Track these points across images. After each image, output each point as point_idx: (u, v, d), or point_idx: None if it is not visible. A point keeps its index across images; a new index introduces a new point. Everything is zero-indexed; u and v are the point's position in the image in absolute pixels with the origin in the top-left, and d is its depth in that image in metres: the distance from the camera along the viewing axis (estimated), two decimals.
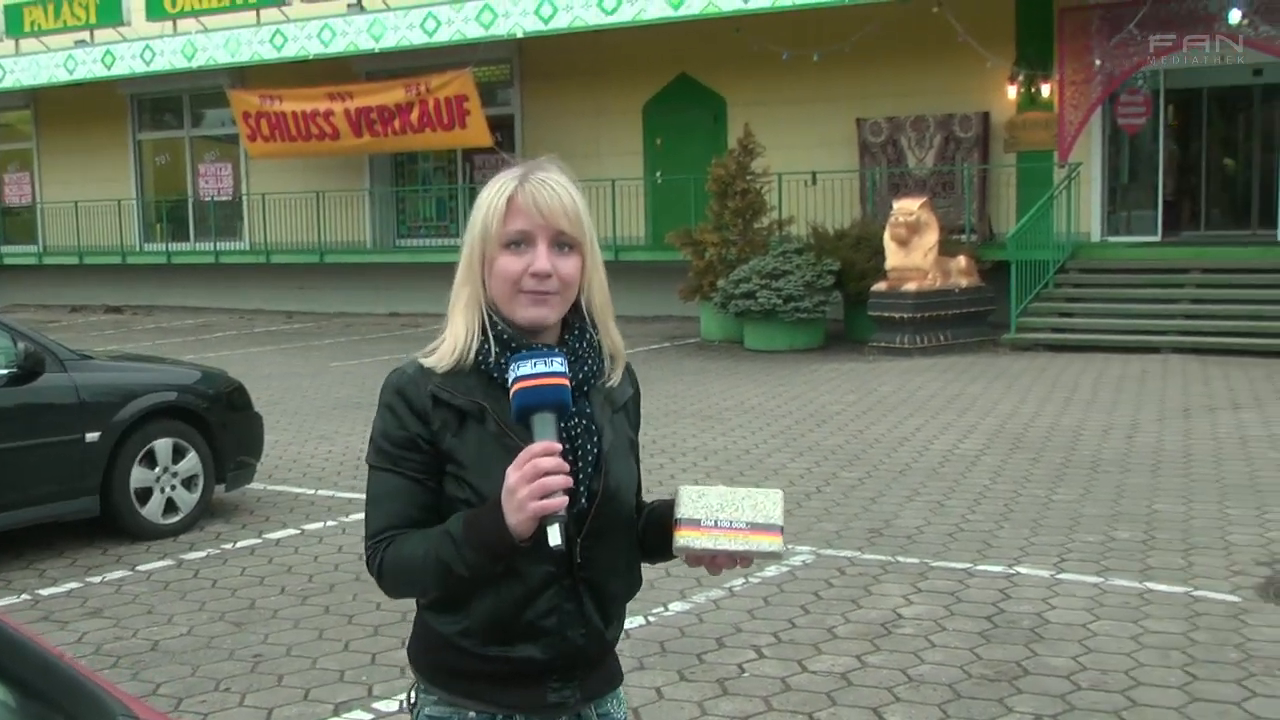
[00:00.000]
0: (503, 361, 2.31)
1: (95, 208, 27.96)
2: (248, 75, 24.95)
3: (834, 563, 7.41)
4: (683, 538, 2.27)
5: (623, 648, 5.82)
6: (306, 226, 25.26)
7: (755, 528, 2.25)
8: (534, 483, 2.13)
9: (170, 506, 8.59)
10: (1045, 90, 19.32)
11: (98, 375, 8.48)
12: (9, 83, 26.45)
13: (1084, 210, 19.35)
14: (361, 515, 7.80)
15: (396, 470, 2.35)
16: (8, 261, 29.85)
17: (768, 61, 19.70)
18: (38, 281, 29.58)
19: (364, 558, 2.41)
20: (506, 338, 2.33)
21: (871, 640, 6.10)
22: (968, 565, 7.30)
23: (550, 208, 2.32)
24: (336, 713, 5.47)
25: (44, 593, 7.34)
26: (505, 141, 23.60)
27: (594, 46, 21.77)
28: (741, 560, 2.30)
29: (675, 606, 6.64)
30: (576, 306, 2.40)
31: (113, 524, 8.40)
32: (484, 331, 2.35)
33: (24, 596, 7.29)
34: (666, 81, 22.05)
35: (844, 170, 20.25)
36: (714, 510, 2.27)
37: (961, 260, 17.36)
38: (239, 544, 8.28)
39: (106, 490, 8.27)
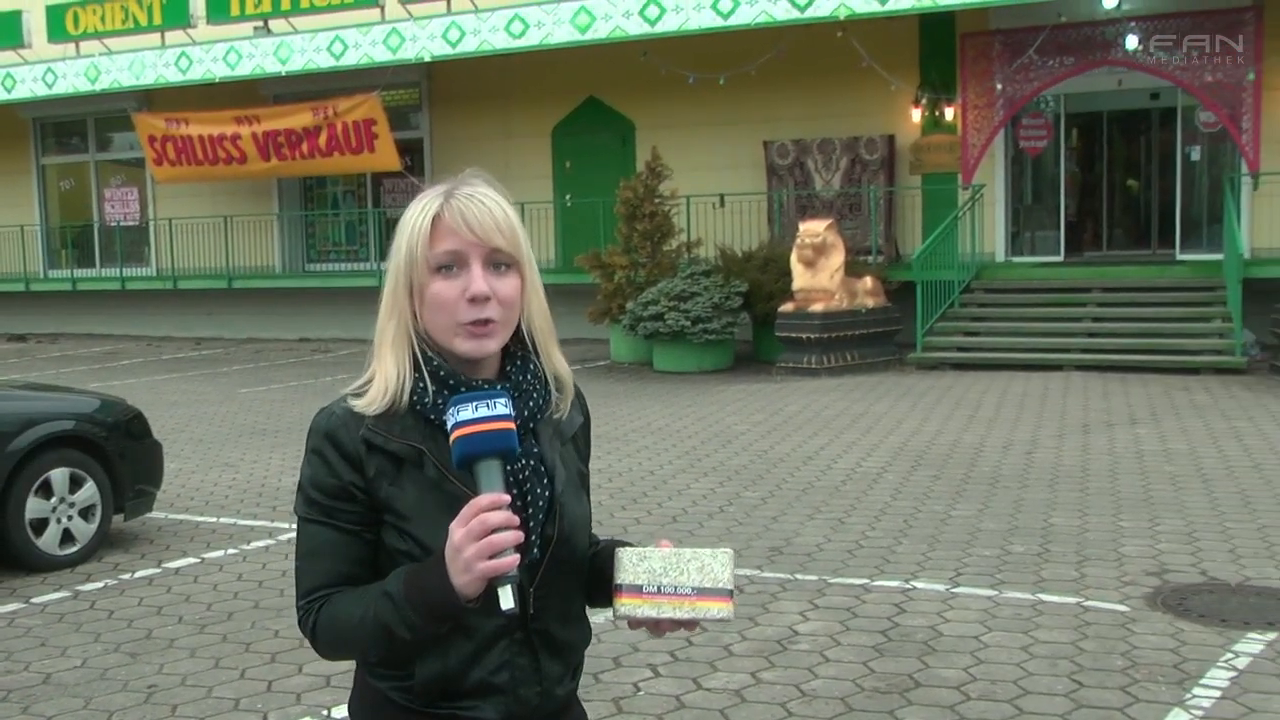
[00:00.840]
0: (439, 402, 2.12)
1: None
2: (153, 98, 24.75)
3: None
4: (624, 605, 2.10)
5: None
6: (214, 252, 25.03)
7: (702, 593, 2.07)
8: (481, 541, 1.94)
9: (67, 537, 8.44)
10: (949, 113, 19.64)
11: None
12: None
13: (988, 231, 19.66)
14: (264, 543, 7.76)
15: (329, 522, 2.16)
16: None
17: (675, 85, 19.85)
18: None
19: (297, 617, 2.22)
20: (444, 374, 2.14)
21: (767, 657, 6.16)
22: (865, 581, 7.39)
23: (482, 224, 2.11)
24: None
25: None
26: (415, 165, 23.59)
27: (503, 70, 21.81)
28: (687, 626, 2.12)
29: None
30: (517, 332, 2.21)
31: (6, 556, 8.23)
32: (416, 368, 2.15)
33: None
34: (575, 105, 22.14)
35: (751, 192, 20.42)
36: (657, 575, 2.09)
37: (868, 281, 17.55)
38: (137, 574, 8.19)
39: (0, 522, 8.14)
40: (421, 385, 2.15)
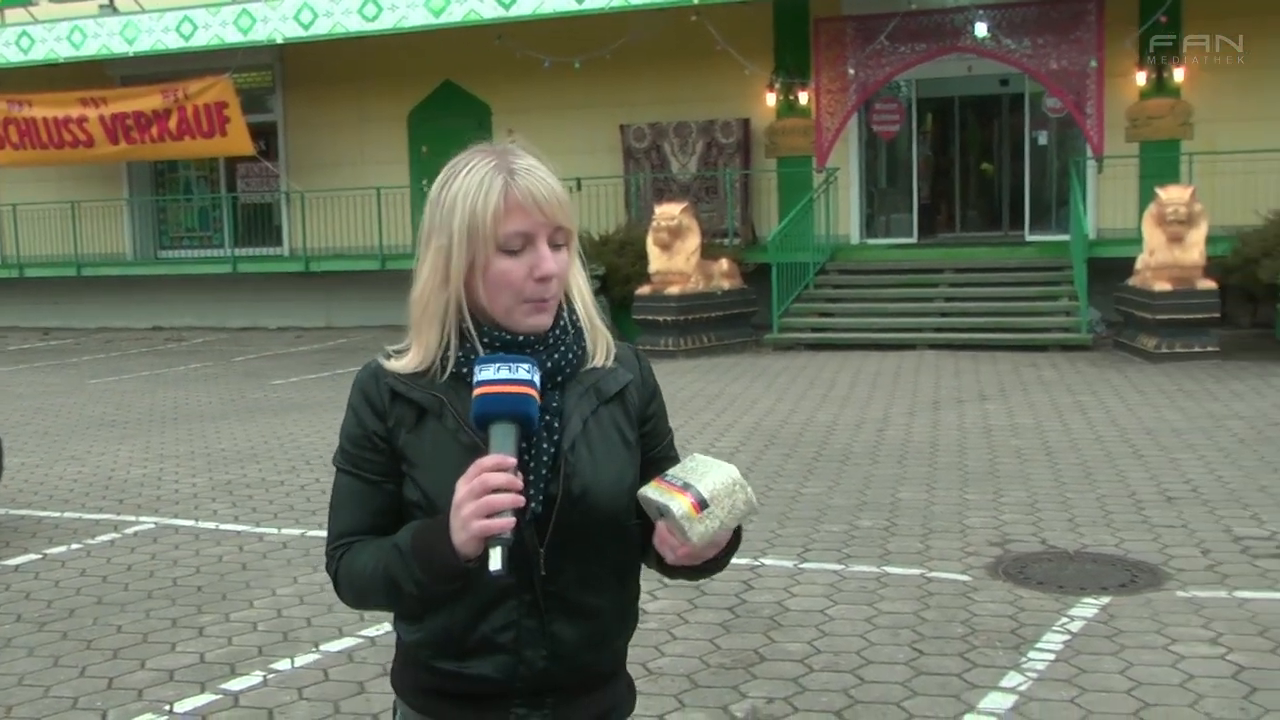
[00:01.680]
0: (469, 357, 2.11)
1: None
2: None
3: None
4: (646, 486, 2.10)
5: (367, 655, 5.83)
6: (62, 239, 24.38)
7: (686, 488, 2.03)
8: (480, 500, 1.93)
9: None
10: (803, 98, 19.84)
11: None
12: None
13: (843, 213, 19.91)
14: (109, 537, 7.60)
15: (354, 472, 2.19)
16: None
17: (531, 69, 19.79)
18: None
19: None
20: (499, 346, 2.11)
21: None
22: None
23: (550, 203, 2.07)
24: None
25: None
26: (269, 149, 23.24)
27: (357, 53, 21.55)
28: (663, 531, 2.06)
29: None
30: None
31: None
32: (463, 341, 2.13)
33: None
34: (431, 89, 21.98)
35: (608, 176, 20.44)
36: (680, 470, 2.08)
37: (724, 263, 17.67)
38: None
39: None
40: (461, 355, 2.13)
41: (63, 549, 8.32)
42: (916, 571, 7.04)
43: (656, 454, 2.31)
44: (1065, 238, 18.65)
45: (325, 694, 5.49)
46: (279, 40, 20.57)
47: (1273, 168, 17.14)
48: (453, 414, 2.12)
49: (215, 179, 24.65)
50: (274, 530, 8.41)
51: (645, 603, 6.63)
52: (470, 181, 2.09)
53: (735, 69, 19.07)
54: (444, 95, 21.91)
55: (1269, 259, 15.15)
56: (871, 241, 20.60)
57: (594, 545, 2.16)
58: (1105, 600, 6.46)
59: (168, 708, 5.43)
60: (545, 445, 2.12)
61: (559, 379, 2.16)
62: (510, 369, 2.02)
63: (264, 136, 23.07)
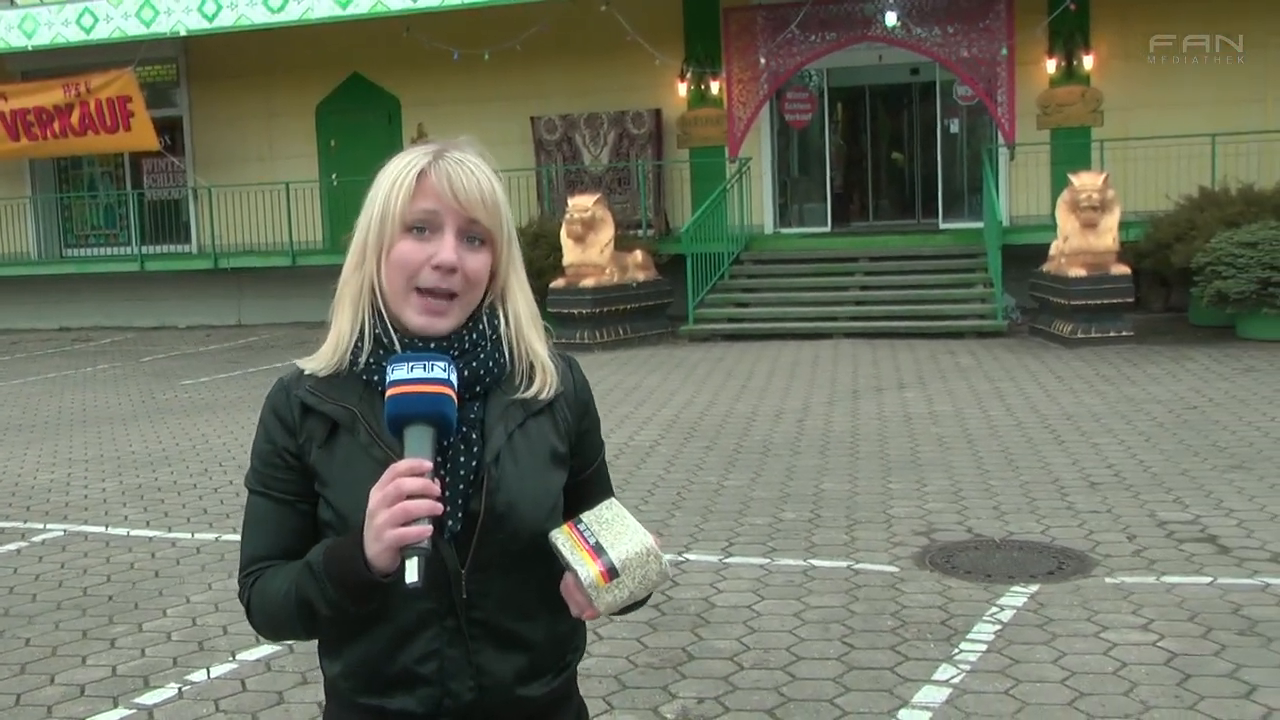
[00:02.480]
0: (374, 362, 2.00)
1: None
2: None
3: None
4: (557, 531, 1.98)
5: (285, 664, 5.65)
6: None
7: (597, 551, 1.91)
8: (394, 507, 1.80)
9: None
10: (715, 87, 19.79)
11: None
12: None
13: (756, 203, 19.89)
14: (14, 546, 7.32)
15: (265, 492, 2.05)
16: None
17: (440, 61, 19.56)
18: None
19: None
20: (387, 342, 2.00)
21: None
22: None
23: (467, 190, 1.98)
24: None
25: None
26: (174, 145, 22.81)
27: (263, 46, 21.20)
28: (571, 583, 1.94)
29: None
30: (478, 306, 2.05)
31: None
32: (378, 345, 2.01)
33: None
34: (338, 82, 21.70)
35: (520, 168, 20.24)
36: (594, 518, 1.97)
37: (638, 255, 17.57)
38: None
39: None
40: (360, 344, 2.02)
41: None
42: (843, 564, 6.97)
43: (586, 475, 2.17)
44: (978, 225, 18.75)
45: (243, 705, 5.31)
46: (182, 32, 20.16)
47: (1183, 153, 17.33)
48: (365, 427, 2.00)
49: (121, 175, 24.16)
50: (187, 535, 8.17)
51: None
52: (396, 165, 2.03)
53: (646, 59, 18.96)
54: (352, 88, 21.62)
55: (1181, 244, 15.29)
56: (785, 231, 20.61)
57: (519, 567, 2.03)
58: (1034, 588, 6.42)
59: None
60: (464, 459, 1.99)
61: (478, 389, 2.03)
62: (425, 367, 1.89)
63: (169, 131, 22.66)
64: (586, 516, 1.99)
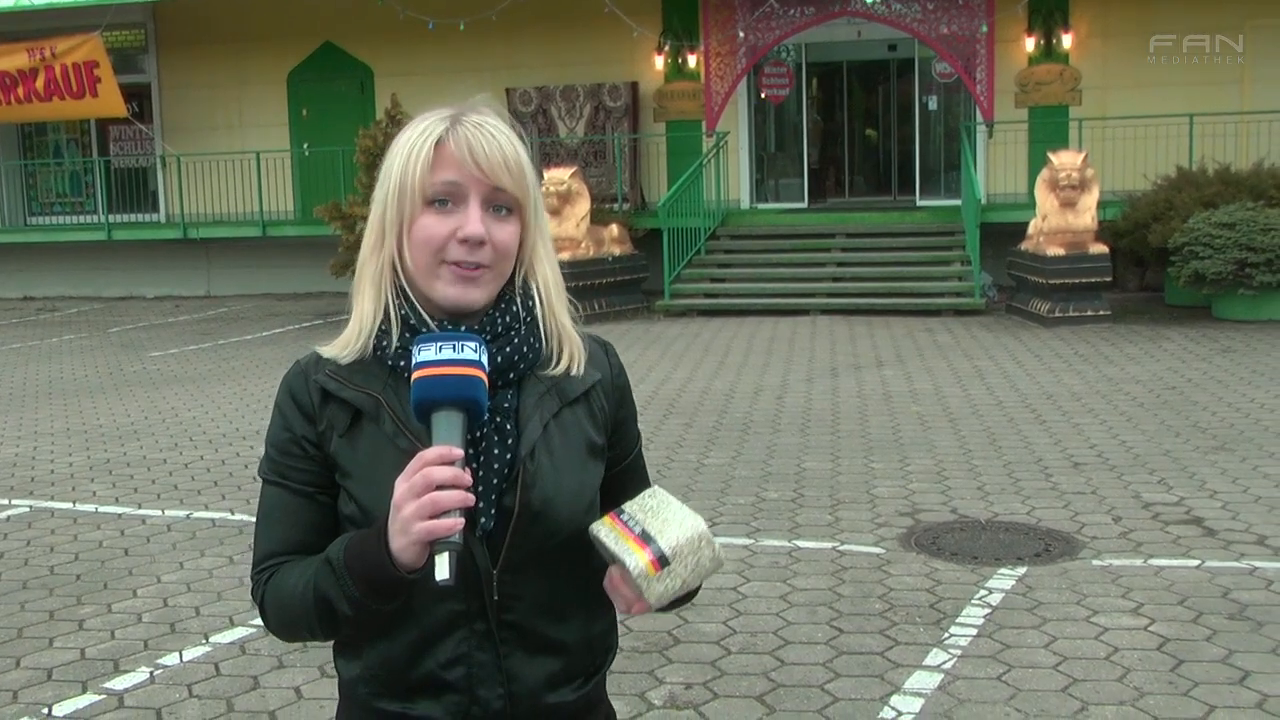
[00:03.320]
0: (402, 346, 1.86)
1: None
2: None
3: None
4: (598, 523, 1.86)
5: (260, 646, 5.51)
6: None
7: (644, 539, 1.80)
8: (422, 498, 1.67)
9: None
10: (692, 61, 19.62)
11: None
12: None
13: (733, 178, 19.74)
14: None
15: (282, 482, 1.92)
16: None
17: (415, 30, 19.31)
18: None
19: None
20: (414, 322, 1.87)
21: None
22: None
23: (489, 158, 1.83)
24: None
25: None
26: (142, 112, 22.49)
27: (234, 13, 20.93)
28: (616, 577, 1.82)
29: None
30: (510, 281, 1.92)
31: None
32: (404, 325, 1.88)
33: None
34: (311, 50, 21.41)
35: None
36: (638, 508, 1.85)
37: (614, 229, 17.41)
38: None
39: None
40: (385, 327, 1.88)
41: None
42: (828, 545, 6.87)
43: (622, 467, 2.05)
44: (956, 203, 18.67)
45: (217, 690, 5.16)
46: None
47: (1160, 133, 17.26)
48: (390, 416, 1.86)
49: (87, 142, 23.80)
50: (157, 512, 7.99)
51: None
52: (411, 132, 1.88)
53: (623, 32, 18.77)
54: (325, 57, 21.35)
55: (1158, 223, 15.23)
56: (762, 206, 20.47)
57: (555, 566, 1.91)
58: (1022, 570, 6.34)
59: (46, 710, 5.06)
60: (498, 451, 1.86)
61: (512, 375, 1.90)
62: (454, 348, 1.75)
63: (137, 98, 22.31)
64: (629, 506, 1.86)
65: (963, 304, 16.15)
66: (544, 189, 16.40)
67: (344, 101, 21.11)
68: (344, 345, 1.92)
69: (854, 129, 23.23)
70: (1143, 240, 15.62)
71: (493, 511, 1.85)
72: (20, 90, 21.46)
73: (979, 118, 18.52)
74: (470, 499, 1.70)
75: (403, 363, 1.85)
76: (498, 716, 1.90)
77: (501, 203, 1.87)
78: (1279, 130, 16.97)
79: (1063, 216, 14.81)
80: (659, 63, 19.83)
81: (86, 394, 12.66)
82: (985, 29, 18.04)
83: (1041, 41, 18.42)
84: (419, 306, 1.88)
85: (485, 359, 1.78)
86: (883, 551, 6.72)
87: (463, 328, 1.86)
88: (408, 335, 1.86)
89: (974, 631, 5.54)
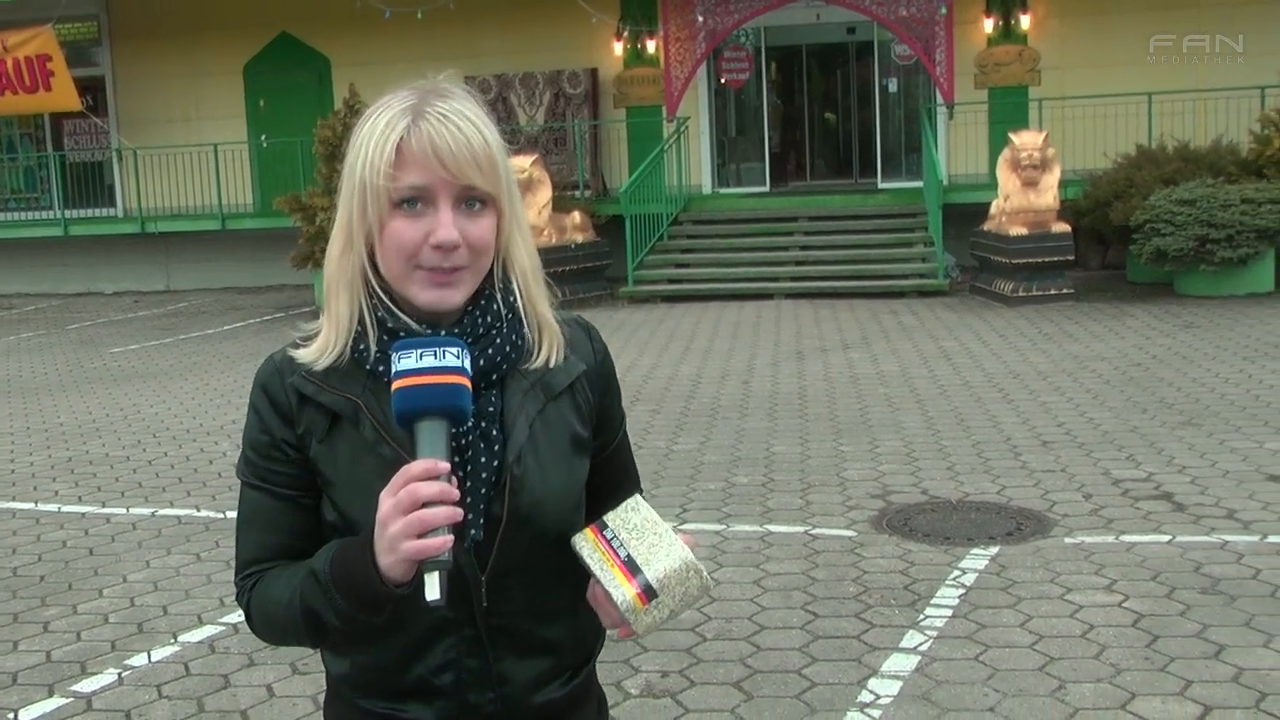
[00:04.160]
0: (379, 351, 1.77)
1: None
2: None
3: None
4: (578, 537, 1.80)
5: (230, 645, 5.43)
6: None
7: (630, 568, 1.74)
8: (409, 516, 1.60)
9: None
10: (651, 46, 19.56)
11: None
12: None
13: (694, 163, 19.71)
14: None
15: (262, 486, 1.84)
16: None
17: (371, 20, 19.21)
18: None
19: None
20: (391, 325, 1.77)
21: None
22: None
23: (456, 156, 1.71)
24: None
25: None
26: (97, 105, 22.26)
27: (189, 3, 20.80)
28: (601, 595, 1.77)
29: None
30: (488, 275, 1.82)
31: None
32: (382, 329, 1.79)
33: None
34: (267, 40, 21.25)
35: None
36: (622, 524, 1.79)
37: (576, 216, 17.34)
38: None
39: None
40: (360, 329, 1.79)
41: None
42: (800, 529, 6.84)
43: (607, 454, 1.99)
44: (917, 184, 18.68)
45: (187, 690, 5.09)
46: None
47: (1119, 112, 17.31)
48: (371, 421, 1.78)
49: (41, 137, 23.52)
50: (121, 510, 7.89)
51: None
52: (377, 124, 1.75)
53: (582, 18, 18.70)
54: (281, 47, 21.19)
55: (1120, 202, 15.27)
56: (724, 191, 20.45)
57: (543, 567, 1.85)
58: (994, 550, 6.33)
59: (12, 715, 4.97)
60: (485, 459, 1.78)
61: (495, 376, 1.82)
62: (436, 354, 1.67)
63: (91, 92, 22.11)
64: (612, 521, 1.80)
65: (927, 285, 16.17)
66: None
67: (302, 92, 20.95)
68: (320, 351, 1.82)
69: (814, 112, 23.22)
70: (1104, 218, 15.66)
71: (481, 521, 1.78)
72: None
73: (939, 99, 18.53)
74: (458, 514, 1.63)
75: (381, 367, 1.78)
76: (489, 718, 1.86)
77: (474, 197, 1.76)
78: (1235, 107, 17.03)
79: (1025, 196, 14.84)
80: (618, 49, 19.76)
81: (46, 392, 12.51)
82: (944, 11, 18.04)
83: (1000, 22, 18.47)
84: (395, 309, 1.80)
85: (468, 363, 1.70)
86: (855, 534, 6.70)
87: (442, 330, 1.78)
88: (385, 339, 1.78)
89: (949, 612, 5.53)
